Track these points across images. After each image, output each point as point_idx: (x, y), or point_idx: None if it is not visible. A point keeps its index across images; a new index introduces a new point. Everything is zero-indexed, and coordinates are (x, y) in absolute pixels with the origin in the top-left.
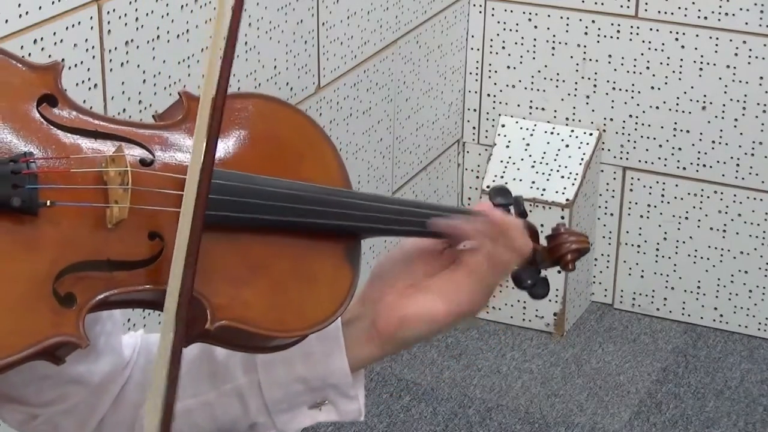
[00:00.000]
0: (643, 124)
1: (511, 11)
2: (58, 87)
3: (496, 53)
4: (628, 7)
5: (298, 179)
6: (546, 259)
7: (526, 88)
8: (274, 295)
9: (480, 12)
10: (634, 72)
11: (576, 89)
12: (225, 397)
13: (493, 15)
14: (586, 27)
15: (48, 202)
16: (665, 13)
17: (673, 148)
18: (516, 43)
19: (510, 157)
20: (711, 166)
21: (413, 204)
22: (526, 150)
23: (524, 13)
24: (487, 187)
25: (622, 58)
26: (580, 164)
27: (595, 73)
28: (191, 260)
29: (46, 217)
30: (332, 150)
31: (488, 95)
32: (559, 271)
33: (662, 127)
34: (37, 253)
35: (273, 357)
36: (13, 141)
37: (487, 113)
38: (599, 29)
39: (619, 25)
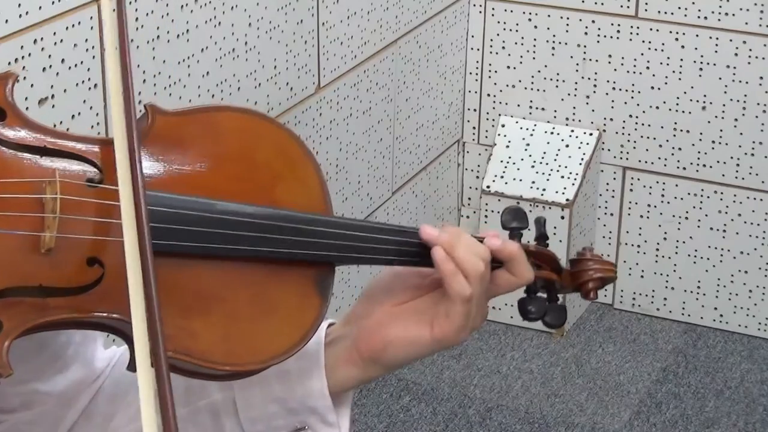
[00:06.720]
0: (643, 124)
1: (511, 11)
2: (8, 100)
3: (496, 53)
4: (628, 7)
5: (269, 203)
6: (567, 285)
7: (526, 88)
8: (227, 326)
9: (480, 12)
10: (634, 72)
11: (576, 89)
12: (198, 414)
13: (493, 15)
14: (586, 27)
15: None
16: (665, 13)
17: (673, 148)
18: (516, 43)
19: (510, 157)
20: (711, 166)
21: (394, 232)
22: (526, 150)
23: (524, 13)
24: (487, 187)
25: (622, 58)
26: (580, 164)
27: (595, 73)
28: (151, 301)
29: None
30: (314, 170)
31: (488, 95)
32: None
33: (662, 127)
34: None
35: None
36: None
37: (487, 113)
38: (599, 29)
39: (619, 25)
